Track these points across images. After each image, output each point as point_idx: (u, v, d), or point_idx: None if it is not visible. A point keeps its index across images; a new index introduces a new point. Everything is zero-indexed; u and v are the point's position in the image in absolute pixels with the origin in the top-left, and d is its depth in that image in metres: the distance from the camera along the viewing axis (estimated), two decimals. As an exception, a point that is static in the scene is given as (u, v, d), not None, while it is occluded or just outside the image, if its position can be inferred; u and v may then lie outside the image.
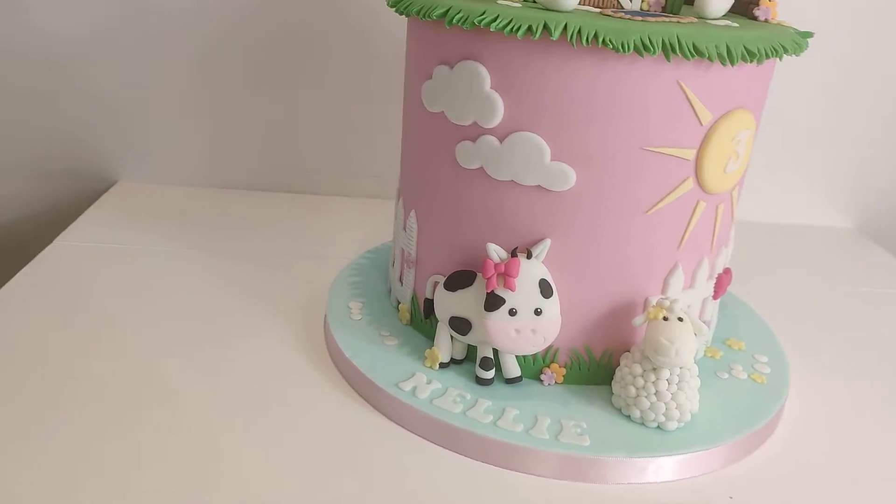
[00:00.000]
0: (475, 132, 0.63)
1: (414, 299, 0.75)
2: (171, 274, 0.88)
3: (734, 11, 0.72)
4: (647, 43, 0.56)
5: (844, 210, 1.23)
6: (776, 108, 1.06)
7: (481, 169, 0.64)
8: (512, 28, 0.57)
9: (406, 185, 0.75)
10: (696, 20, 0.62)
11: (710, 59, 0.57)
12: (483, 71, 0.61)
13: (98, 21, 1.02)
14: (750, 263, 0.96)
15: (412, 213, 0.73)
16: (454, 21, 0.60)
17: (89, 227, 0.98)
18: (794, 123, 1.13)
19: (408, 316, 0.76)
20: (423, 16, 0.63)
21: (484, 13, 0.59)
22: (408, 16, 0.66)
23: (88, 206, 1.04)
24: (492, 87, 0.61)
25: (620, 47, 0.55)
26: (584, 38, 0.56)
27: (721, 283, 0.72)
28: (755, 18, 0.68)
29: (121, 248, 0.92)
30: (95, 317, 0.78)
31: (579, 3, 0.68)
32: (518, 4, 0.62)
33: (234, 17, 1.03)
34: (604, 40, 0.56)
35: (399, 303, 0.78)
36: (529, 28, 0.57)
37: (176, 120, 1.10)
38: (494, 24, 0.58)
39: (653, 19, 0.59)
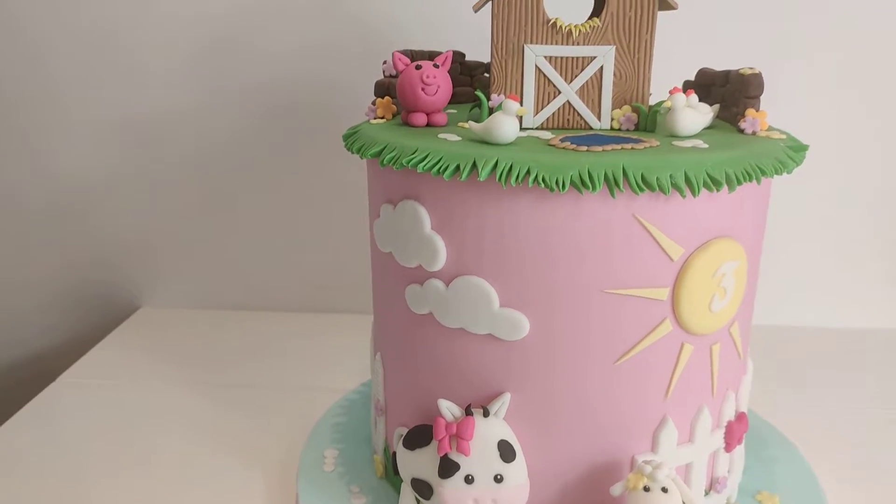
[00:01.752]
0: (421, 275, 0.58)
1: (386, 450, 0.68)
2: (158, 416, 0.85)
3: (724, 119, 0.65)
4: (586, 179, 0.49)
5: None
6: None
7: (431, 315, 0.58)
8: (439, 169, 0.52)
9: (375, 324, 0.70)
10: (657, 144, 0.54)
11: (663, 191, 0.49)
12: (422, 211, 0.56)
13: (109, 163, 1.05)
14: (804, 378, 0.85)
15: (378, 356, 0.67)
16: (385, 162, 0.55)
17: (93, 363, 0.97)
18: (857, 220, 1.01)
19: (381, 469, 0.69)
20: (361, 154, 0.58)
21: (414, 153, 0.54)
22: (349, 150, 0.62)
23: (102, 337, 1.05)
24: (432, 229, 0.56)
25: (555, 185, 0.49)
26: (515, 176, 0.50)
27: (733, 432, 0.62)
28: (741, 131, 0.60)
29: (115, 385, 0.91)
30: (72, 462, 0.75)
31: (542, 125, 0.62)
32: (457, 138, 0.56)
33: (239, 151, 1.04)
34: (536, 178, 0.49)
35: (375, 452, 0.71)
36: (457, 167, 0.51)
37: (192, 246, 1.10)
38: (422, 165, 0.53)
39: (607, 146, 0.53)
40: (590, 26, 0.60)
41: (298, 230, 1.08)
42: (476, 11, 0.62)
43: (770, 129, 0.60)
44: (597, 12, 0.62)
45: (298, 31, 0.98)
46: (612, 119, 0.62)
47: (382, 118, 0.66)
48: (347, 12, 0.97)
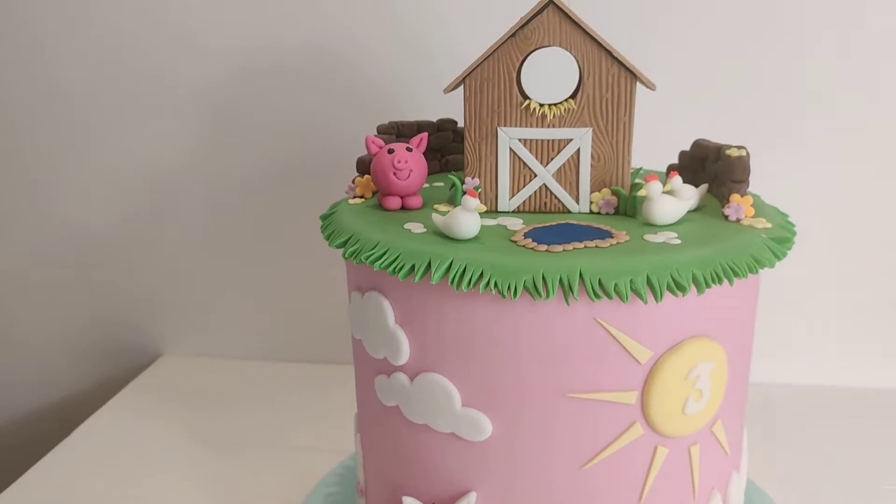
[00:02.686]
0: (388, 367, 0.56)
1: (366, 533, 0.67)
2: (157, 477, 0.86)
3: (717, 196, 0.61)
4: (539, 285, 0.47)
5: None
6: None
7: (397, 407, 0.57)
8: (395, 268, 0.51)
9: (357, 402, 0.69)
10: (626, 238, 0.52)
11: (621, 298, 0.47)
12: (386, 305, 0.55)
13: (124, 215, 1.08)
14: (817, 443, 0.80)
15: (358, 436, 0.66)
16: (347, 255, 0.54)
17: (109, 413, 0.99)
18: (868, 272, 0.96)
19: (362, 551, 0.68)
20: (330, 243, 0.58)
21: (374, 248, 0.53)
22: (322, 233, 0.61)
23: (124, 384, 1.07)
24: (396, 323, 0.54)
25: (507, 292, 0.47)
26: (468, 281, 0.48)
27: (720, 531, 0.58)
28: (726, 217, 0.57)
29: (129, 436, 0.93)
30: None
31: (519, 208, 0.61)
32: (422, 229, 0.55)
33: (256, 204, 1.05)
34: (488, 283, 0.48)
35: (358, 531, 0.70)
36: (412, 268, 0.50)
37: (214, 296, 1.11)
38: (379, 263, 0.52)
39: (569, 245, 0.50)
40: (565, 108, 0.58)
41: (319, 281, 1.08)
42: (447, 93, 0.60)
43: (756, 215, 0.57)
44: (572, 93, 0.60)
45: (308, 91, 0.99)
46: (592, 202, 0.60)
47: (361, 197, 0.66)
48: (361, 71, 0.97)
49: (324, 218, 0.64)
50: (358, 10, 0.94)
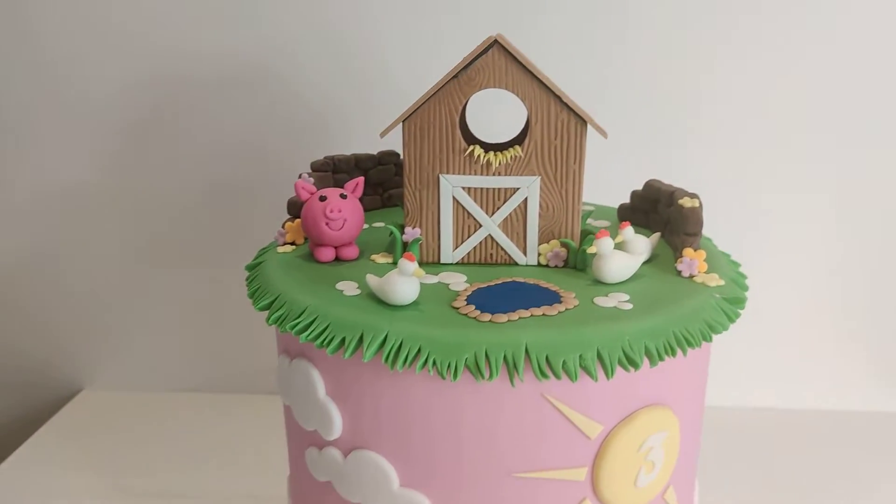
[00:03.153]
0: (319, 441, 0.52)
1: None
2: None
3: (670, 243, 0.58)
4: (482, 365, 0.43)
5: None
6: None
7: (330, 484, 0.52)
8: (323, 341, 0.46)
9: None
10: (576, 303, 0.48)
11: (569, 377, 0.43)
12: (315, 375, 0.50)
13: (47, 236, 1.00)
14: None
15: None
16: (271, 321, 0.49)
17: (26, 456, 0.92)
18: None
19: None
20: (254, 303, 0.53)
21: (302, 315, 0.48)
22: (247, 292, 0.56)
23: (42, 422, 1.00)
24: (327, 394, 0.50)
25: (446, 373, 0.43)
26: (403, 359, 0.44)
27: None
28: (678, 273, 0.54)
29: (45, 483, 0.86)
30: None
31: (463, 259, 0.56)
32: (355, 290, 0.50)
33: (184, 228, 0.98)
34: (426, 362, 0.43)
35: None
36: (342, 342, 0.46)
37: (137, 325, 1.04)
38: (305, 336, 0.47)
39: (514, 314, 0.46)
40: (511, 156, 0.54)
41: (247, 309, 1.02)
42: (382, 137, 0.56)
43: (709, 268, 0.54)
44: (519, 139, 0.56)
45: (246, 102, 0.92)
46: (540, 255, 0.56)
47: (292, 244, 0.61)
48: (293, 88, 0.91)
49: (250, 268, 0.59)
50: (298, 30, 0.88)
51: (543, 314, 0.46)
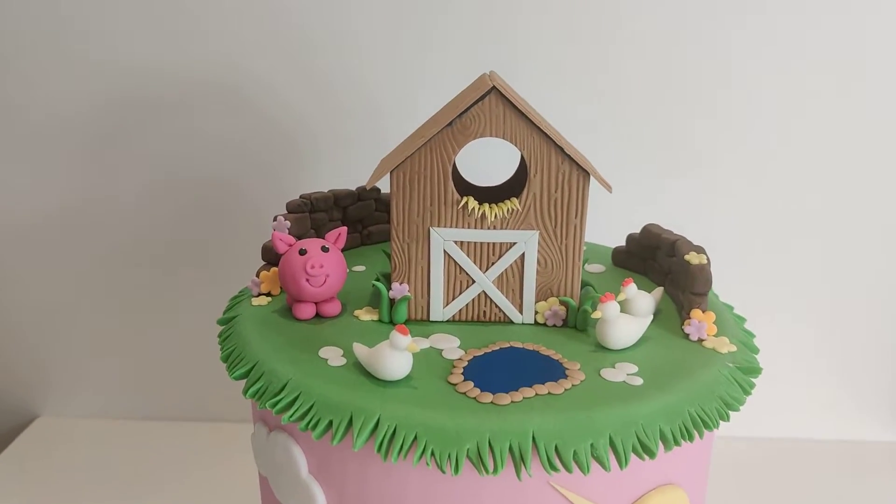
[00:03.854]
0: (301, 519, 0.47)
1: None
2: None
3: (672, 296, 0.55)
4: (486, 457, 0.39)
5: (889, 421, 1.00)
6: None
7: (313, 567, 0.48)
8: (308, 424, 0.42)
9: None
10: (582, 378, 0.45)
11: (581, 470, 0.39)
12: (297, 452, 0.46)
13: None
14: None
15: (266, 571, 0.57)
16: (248, 395, 0.45)
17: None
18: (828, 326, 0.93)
19: None
20: (228, 369, 0.48)
21: (283, 391, 0.44)
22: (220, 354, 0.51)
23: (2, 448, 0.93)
24: (310, 473, 0.46)
25: (446, 467, 0.39)
26: (398, 448, 0.40)
27: None
28: (686, 336, 0.50)
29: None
30: None
31: (455, 315, 0.53)
32: (341, 360, 0.46)
33: (142, 249, 0.92)
34: (424, 453, 0.39)
35: None
36: (329, 425, 0.41)
37: (94, 349, 0.98)
38: (288, 416, 0.42)
39: (517, 393, 0.42)
40: (508, 209, 0.50)
41: (208, 333, 0.96)
42: (368, 189, 0.52)
43: (719, 332, 0.51)
44: (514, 189, 0.52)
45: (216, 129, 0.86)
46: (537, 313, 0.52)
47: (268, 294, 0.56)
48: (261, 110, 0.86)
49: (222, 323, 0.54)
50: (271, 51, 0.83)
51: (549, 392, 0.43)
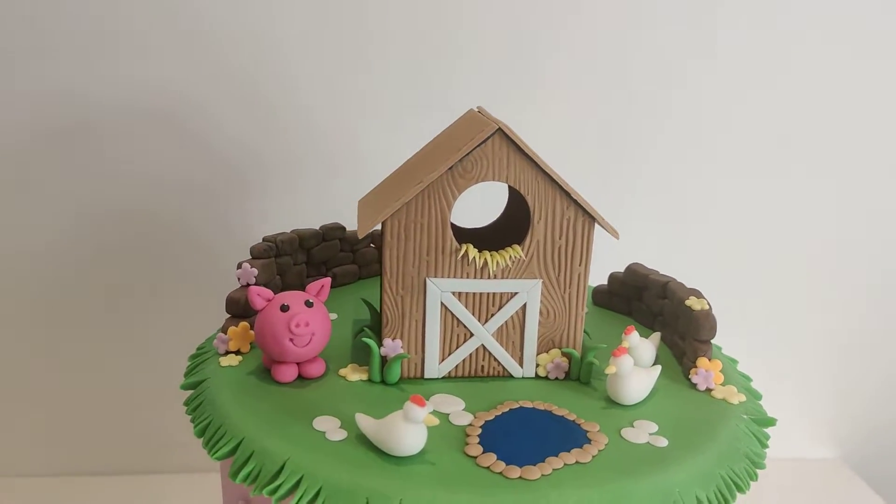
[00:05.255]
0: None
1: None
2: None
3: (665, 342, 0.54)
4: (525, 544, 0.35)
5: (826, 438, 1.03)
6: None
7: None
8: (318, 514, 0.37)
9: None
10: (605, 441, 0.42)
11: (628, 553, 0.37)
12: (293, 540, 0.40)
13: None
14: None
15: None
16: (239, 480, 0.39)
17: None
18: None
19: None
20: (207, 446, 0.42)
21: (281, 474, 0.38)
22: (193, 429, 0.45)
23: None
24: (308, 563, 0.40)
25: (483, 557, 0.35)
26: (428, 540, 0.35)
27: None
28: (693, 385, 0.49)
29: None
30: None
31: (451, 372, 0.49)
32: (341, 433, 0.41)
33: (56, 290, 0.83)
34: (457, 546, 0.35)
35: None
36: (344, 515, 0.37)
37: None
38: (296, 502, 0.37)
39: (544, 463, 0.39)
40: (510, 257, 0.47)
41: (126, 380, 0.88)
42: (361, 238, 0.47)
43: (725, 380, 0.49)
44: (499, 229, 0.49)
45: (156, 148, 0.78)
46: (538, 366, 0.49)
47: (237, 353, 0.50)
48: (203, 138, 0.79)
49: (188, 387, 0.48)
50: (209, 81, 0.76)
51: (577, 462, 0.40)
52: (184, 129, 0.77)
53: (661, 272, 0.58)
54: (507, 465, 0.39)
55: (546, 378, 0.49)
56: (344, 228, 0.63)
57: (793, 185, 0.86)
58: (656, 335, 0.53)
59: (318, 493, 0.37)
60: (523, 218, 0.48)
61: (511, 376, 0.49)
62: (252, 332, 0.51)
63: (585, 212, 0.47)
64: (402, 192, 0.45)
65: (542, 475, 0.38)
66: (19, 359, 0.85)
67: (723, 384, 0.49)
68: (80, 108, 0.75)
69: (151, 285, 0.82)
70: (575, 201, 0.46)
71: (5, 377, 0.85)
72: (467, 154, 0.45)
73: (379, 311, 0.51)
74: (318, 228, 0.62)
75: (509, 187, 0.55)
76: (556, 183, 0.46)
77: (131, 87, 0.75)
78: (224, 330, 0.51)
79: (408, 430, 0.39)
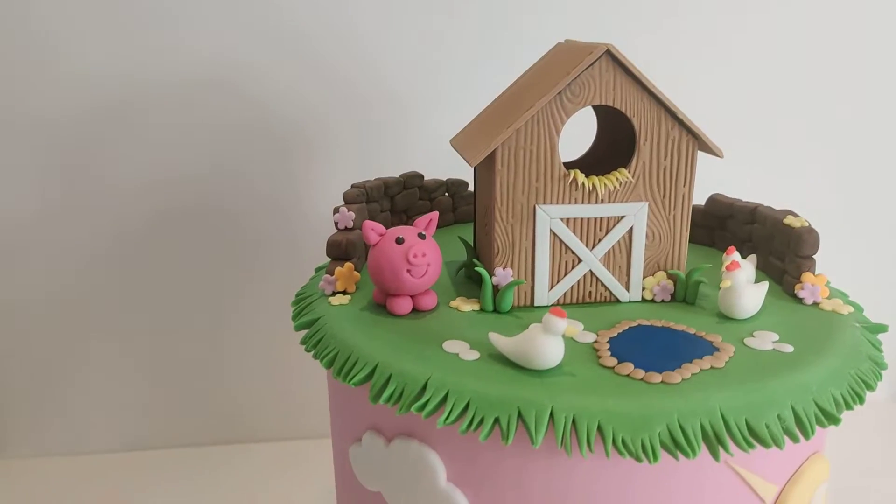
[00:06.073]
0: (434, 534, 0.43)
1: None
2: None
3: (760, 267, 0.54)
4: (682, 440, 0.36)
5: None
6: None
7: (447, 583, 0.43)
8: (470, 425, 0.37)
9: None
10: (732, 350, 0.42)
11: (777, 445, 0.37)
12: (433, 458, 0.41)
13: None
14: None
15: None
16: (381, 401, 0.40)
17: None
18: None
19: None
20: (340, 375, 0.43)
21: (424, 391, 0.39)
22: (316, 359, 0.46)
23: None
24: (449, 481, 0.41)
25: (643, 454, 0.36)
26: (584, 440, 0.36)
27: None
28: (798, 299, 0.49)
29: None
30: None
31: (560, 299, 0.49)
32: (473, 353, 0.42)
33: (101, 264, 0.83)
34: (615, 443, 0.36)
35: None
36: (497, 423, 0.37)
37: (55, 385, 0.88)
38: (443, 420, 0.38)
39: (681, 368, 0.40)
40: (618, 180, 0.47)
41: (179, 358, 0.88)
42: (473, 166, 0.48)
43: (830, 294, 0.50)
44: (598, 149, 0.49)
45: (192, 111, 0.79)
46: (644, 289, 0.50)
47: (344, 292, 0.51)
48: (254, 95, 0.79)
49: (304, 325, 0.48)
50: (259, 34, 0.77)
51: (712, 367, 0.40)
52: (244, 94, 0.78)
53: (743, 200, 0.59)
54: (647, 372, 0.39)
55: (652, 301, 0.50)
56: (422, 176, 0.64)
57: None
58: (752, 256, 0.53)
59: (467, 406, 0.38)
60: (612, 148, 0.48)
61: (618, 301, 0.50)
62: (356, 273, 0.51)
63: (690, 131, 0.47)
64: (509, 122, 0.46)
65: (683, 379, 0.39)
66: (98, 333, 0.86)
67: (828, 298, 0.49)
68: (140, 81, 0.76)
69: (220, 251, 0.83)
70: (680, 121, 0.47)
71: (97, 351, 0.86)
72: (576, 77, 0.45)
73: (474, 246, 0.52)
74: (398, 176, 0.62)
75: (599, 118, 0.56)
76: (662, 103, 0.46)
77: (189, 58, 0.75)
78: (330, 272, 0.51)
79: (548, 342, 0.39)
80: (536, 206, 0.47)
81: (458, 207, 0.66)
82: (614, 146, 0.50)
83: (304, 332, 0.48)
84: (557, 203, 0.47)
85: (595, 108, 0.52)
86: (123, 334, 0.87)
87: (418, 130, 0.79)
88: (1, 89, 0.75)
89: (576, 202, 0.47)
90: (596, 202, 0.47)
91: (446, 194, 0.66)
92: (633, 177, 0.47)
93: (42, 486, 0.84)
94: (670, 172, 0.48)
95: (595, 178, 0.47)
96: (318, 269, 0.59)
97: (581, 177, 0.47)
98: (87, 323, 0.86)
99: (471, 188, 0.66)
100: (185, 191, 0.80)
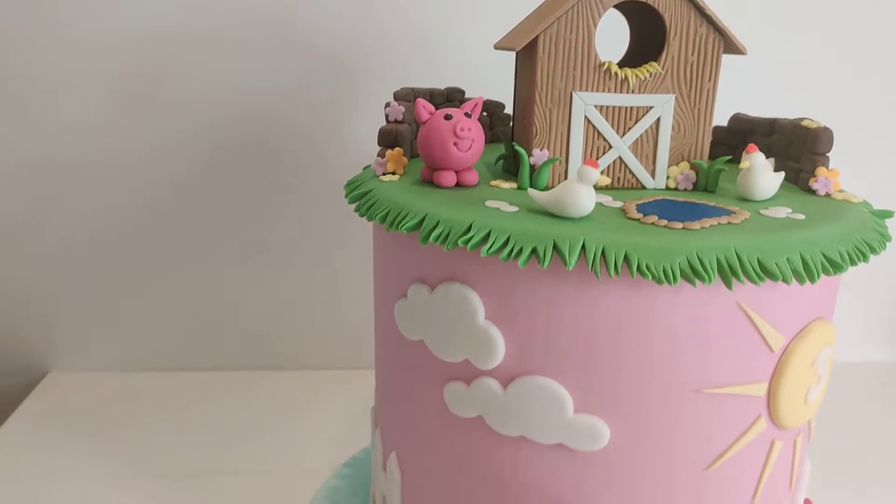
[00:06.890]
0: (469, 372, 0.47)
1: (402, 566, 0.57)
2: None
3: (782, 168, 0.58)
4: (699, 268, 0.40)
5: (884, 342, 1.08)
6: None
7: (480, 419, 0.48)
8: (511, 253, 0.42)
9: (383, 416, 0.59)
10: (748, 215, 0.47)
11: (784, 280, 0.41)
12: (474, 298, 0.46)
13: (8, 209, 0.88)
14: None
15: (393, 456, 0.56)
16: (431, 239, 0.45)
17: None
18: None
19: (396, 587, 0.58)
20: (392, 226, 0.48)
21: (469, 230, 0.44)
22: (370, 220, 0.51)
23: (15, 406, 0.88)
24: (487, 318, 0.46)
25: (664, 277, 0.40)
26: (612, 265, 0.41)
27: (801, 523, 0.55)
28: (811, 191, 0.53)
29: (25, 476, 0.75)
30: None
31: (589, 184, 0.54)
32: (512, 207, 0.47)
33: (156, 198, 0.89)
34: (639, 268, 0.40)
35: (383, 565, 0.60)
36: (534, 252, 0.42)
37: (106, 301, 0.94)
38: (486, 249, 0.43)
39: (701, 221, 0.44)
40: (648, 72, 0.52)
41: (226, 280, 0.94)
42: (517, 51, 0.52)
43: (841, 189, 0.54)
44: (635, 49, 0.54)
45: (244, 60, 0.85)
46: (668, 177, 0.54)
47: (393, 173, 0.56)
48: (306, 38, 0.85)
49: (359, 196, 0.53)
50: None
51: (729, 223, 0.45)
52: (290, 38, 0.84)
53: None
54: (670, 221, 0.44)
55: (676, 189, 0.54)
56: (464, 92, 0.69)
57: None
58: (771, 159, 0.57)
59: (508, 240, 0.43)
60: (641, 56, 0.52)
61: (644, 187, 0.54)
62: (403, 157, 0.56)
63: (717, 28, 0.52)
64: (551, 12, 0.50)
65: (703, 227, 0.43)
66: (140, 257, 0.92)
67: (840, 191, 0.53)
68: (191, 19, 0.82)
69: (264, 188, 0.89)
70: (707, 17, 0.51)
71: (94, 270, 0.92)
72: (612, -28, 0.50)
73: (512, 139, 0.57)
74: (443, 89, 0.67)
75: (632, 26, 0.61)
76: (692, 0, 0.51)
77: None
78: (381, 154, 0.56)
79: (582, 190, 0.44)
80: (573, 93, 0.52)
81: (496, 126, 0.71)
82: (642, 55, 0.55)
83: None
84: (592, 91, 0.52)
85: (627, 15, 0.57)
86: (170, 260, 0.93)
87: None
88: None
89: (609, 91, 0.52)
90: (627, 91, 0.52)
91: (484, 113, 0.71)
92: (662, 69, 0.52)
93: (87, 399, 0.90)
94: (696, 67, 0.52)
95: (627, 69, 0.52)
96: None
97: (615, 67, 0.52)
98: (139, 246, 0.92)
99: (507, 110, 0.71)
100: (238, 129, 0.86)
